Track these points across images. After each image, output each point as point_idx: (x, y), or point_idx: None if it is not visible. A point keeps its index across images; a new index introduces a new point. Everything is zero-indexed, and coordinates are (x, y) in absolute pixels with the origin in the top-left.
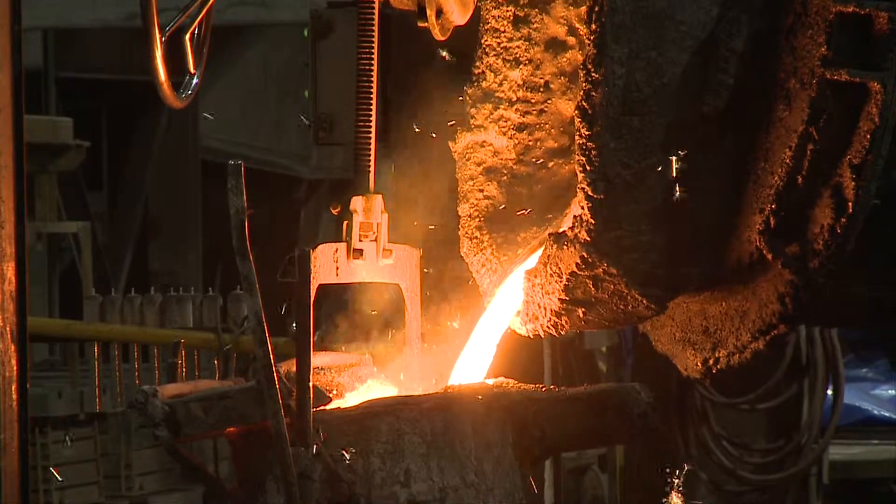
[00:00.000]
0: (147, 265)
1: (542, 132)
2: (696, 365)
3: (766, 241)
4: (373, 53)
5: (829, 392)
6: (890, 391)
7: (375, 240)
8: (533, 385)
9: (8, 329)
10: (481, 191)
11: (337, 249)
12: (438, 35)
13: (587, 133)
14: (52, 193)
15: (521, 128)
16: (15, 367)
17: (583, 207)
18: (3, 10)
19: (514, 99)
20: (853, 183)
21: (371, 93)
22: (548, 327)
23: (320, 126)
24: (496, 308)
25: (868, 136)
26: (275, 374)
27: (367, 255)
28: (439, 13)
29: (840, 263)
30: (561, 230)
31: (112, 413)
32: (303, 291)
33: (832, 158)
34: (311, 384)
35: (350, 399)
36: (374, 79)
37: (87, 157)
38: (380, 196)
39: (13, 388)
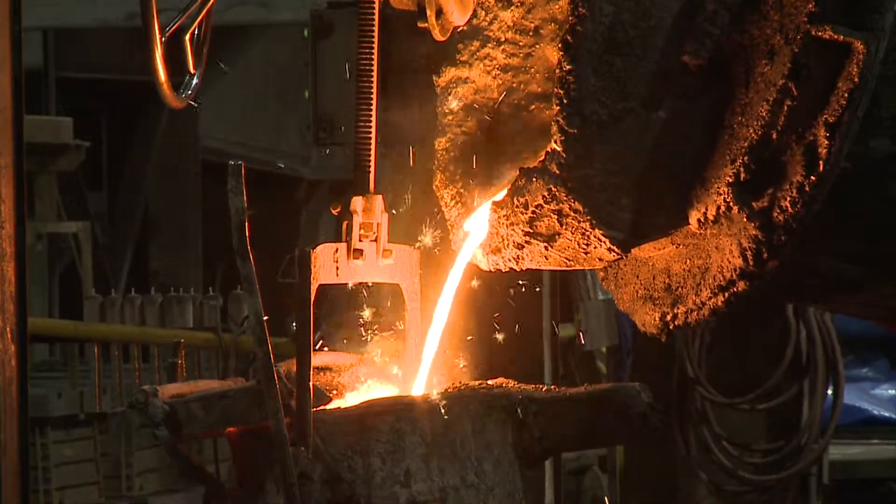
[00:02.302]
0: (147, 265)
1: (527, 76)
2: (654, 320)
3: (734, 192)
4: (373, 53)
5: (829, 392)
6: (890, 391)
7: (375, 240)
8: (533, 385)
9: (8, 329)
10: (460, 126)
11: (337, 249)
12: (438, 35)
13: (568, 67)
14: (52, 193)
15: (505, 69)
16: (15, 367)
17: (556, 141)
18: (3, 10)
19: (503, 39)
20: (826, 141)
21: (371, 93)
22: (509, 259)
23: (320, 126)
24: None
25: (846, 95)
26: (275, 374)
27: (367, 255)
28: (439, 13)
29: (804, 224)
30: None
31: (112, 413)
32: (303, 291)
33: (809, 116)
34: (311, 384)
35: (350, 399)
36: (374, 79)
37: (87, 157)
38: (380, 196)
39: (13, 388)
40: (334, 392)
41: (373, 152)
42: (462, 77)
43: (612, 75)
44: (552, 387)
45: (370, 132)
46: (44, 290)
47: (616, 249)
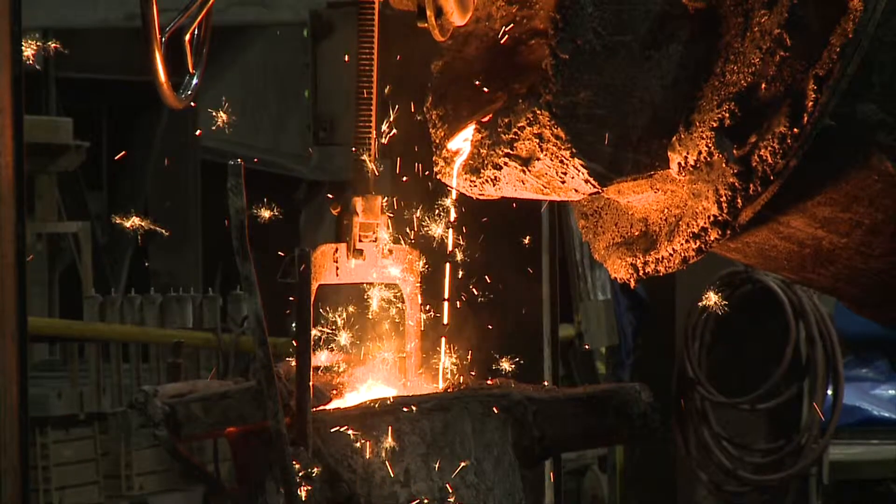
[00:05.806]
0: (147, 265)
1: (531, 11)
2: (625, 267)
3: (716, 137)
4: (373, 54)
5: (829, 392)
6: (890, 391)
7: (375, 240)
8: (533, 385)
9: (8, 329)
10: (458, 51)
11: (337, 250)
12: (438, 36)
13: None
14: (52, 193)
15: (510, 1)
16: (15, 367)
17: (547, 66)
18: (3, 10)
19: None
20: (813, 94)
21: (371, 93)
22: (486, 181)
23: (320, 126)
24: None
25: (837, 50)
26: (275, 375)
27: (367, 255)
28: (439, 13)
29: (782, 177)
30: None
31: (112, 413)
32: (303, 292)
33: (799, 68)
34: (311, 384)
35: (350, 399)
36: (374, 79)
37: (87, 157)
38: (380, 197)
39: (13, 388)
40: (334, 392)
41: (373, 153)
42: None
43: (610, 7)
44: (552, 387)
45: (370, 132)
46: (44, 290)
47: (593, 182)
